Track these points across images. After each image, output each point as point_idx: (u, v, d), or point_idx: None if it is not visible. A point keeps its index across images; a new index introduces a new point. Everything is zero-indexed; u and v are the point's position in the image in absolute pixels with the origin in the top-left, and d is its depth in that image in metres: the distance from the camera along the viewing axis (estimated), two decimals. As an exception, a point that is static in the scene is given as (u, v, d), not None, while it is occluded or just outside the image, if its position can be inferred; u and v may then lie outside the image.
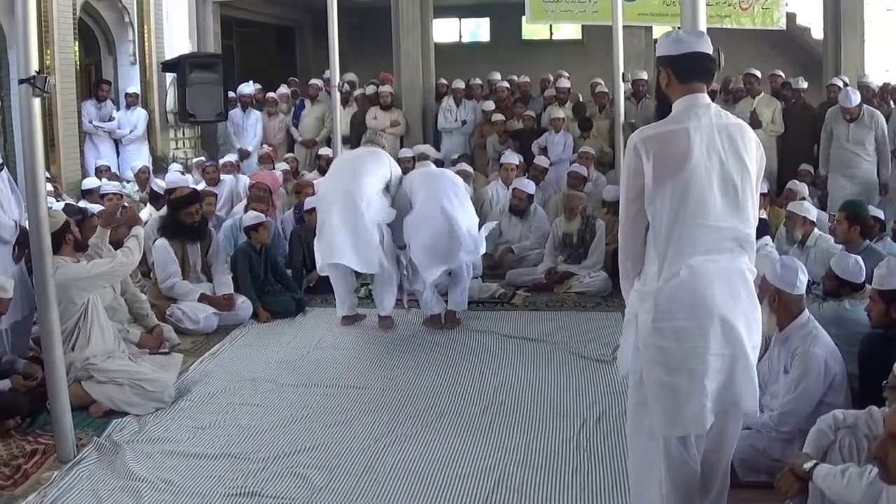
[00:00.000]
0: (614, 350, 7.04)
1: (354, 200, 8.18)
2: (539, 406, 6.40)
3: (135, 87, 15.05)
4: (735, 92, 13.55)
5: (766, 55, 18.84)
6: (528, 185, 10.79)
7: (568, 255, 10.08)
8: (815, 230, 7.96)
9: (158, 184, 11.24)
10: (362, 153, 8.84)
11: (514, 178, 11.34)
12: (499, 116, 13.76)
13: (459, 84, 14.91)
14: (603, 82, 14.03)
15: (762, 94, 13.17)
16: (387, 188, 8.54)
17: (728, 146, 3.82)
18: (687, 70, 3.90)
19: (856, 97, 10.86)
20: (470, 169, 11.99)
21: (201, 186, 11.42)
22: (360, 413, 6.34)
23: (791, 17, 18.90)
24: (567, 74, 15.10)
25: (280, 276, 9.38)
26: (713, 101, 3.96)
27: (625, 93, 11.66)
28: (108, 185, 11.30)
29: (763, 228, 6.87)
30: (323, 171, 12.50)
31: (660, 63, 3.98)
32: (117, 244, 7.21)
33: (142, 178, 12.90)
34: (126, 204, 7.84)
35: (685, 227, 3.78)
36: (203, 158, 14.19)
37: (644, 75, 13.71)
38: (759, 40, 19.34)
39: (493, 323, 8.64)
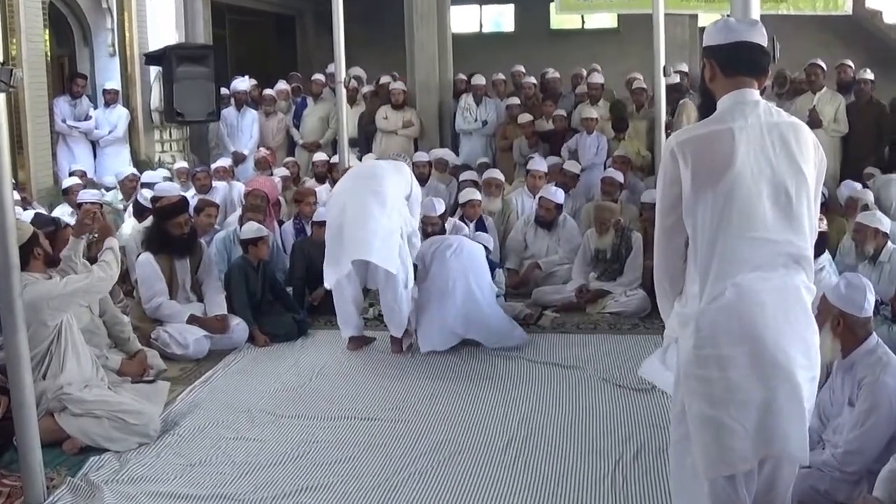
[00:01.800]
0: (644, 362, 7.01)
1: (377, 195, 8.33)
2: (569, 440, 6.40)
3: (114, 83, 15.04)
4: (797, 84, 13.41)
5: (829, 44, 18.74)
6: (557, 194, 10.79)
7: (601, 272, 10.09)
8: (889, 243, 7.89)
9: (145, 195, 11.19)
10: (383, 162, 9.07)
11: (542, 186, 11.35)
12: (526, 117, 13.78)
13: (480, 80, 14.93)
14: (641, 77, 14.01)
15: (824, 88, 12.86)
16: (407, 199, 8.66)
17: (780, 148, 3.80)
18: (734, 62, 3.89)
19: None
20: (500, 177, 11.97)
21: (191, 195, 11.44)
22: (369, 448, 6.35)
23: (859, 0, 18.63)
24: (600, 68, 15.09)
25: (279, 295, 9.41)
26: (763, 96, 3.93)
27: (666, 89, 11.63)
28: (86, 193, 11.26)
29: (821, 244, 6.82)
30: (320, 179, 12.58)
31: (705, 54, 3.98)
32: (92, 261, 7.16)
33: (128, 186, 12.77)
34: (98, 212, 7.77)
35: (730, 240, 3.76)
36: (185, 164, 14.11)
37: (685, 68, 13.69)
38: (822, 27, 19.25)
39: (517, 347, 8.62)
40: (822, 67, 12.90)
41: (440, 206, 9.64)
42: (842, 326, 4.96)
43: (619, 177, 11.38)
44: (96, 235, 7.36)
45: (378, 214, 8.23)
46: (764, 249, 3.79)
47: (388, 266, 8.26)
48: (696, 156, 3.78)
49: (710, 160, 3.77)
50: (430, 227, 9.40)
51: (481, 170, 12.91)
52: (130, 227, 10.72)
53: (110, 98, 14.78)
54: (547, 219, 10.75)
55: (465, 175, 12.48)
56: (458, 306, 8.41)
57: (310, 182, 12.80)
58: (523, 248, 10.75)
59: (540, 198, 10.89)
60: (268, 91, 15.82)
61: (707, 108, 3.96)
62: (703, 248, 3.81)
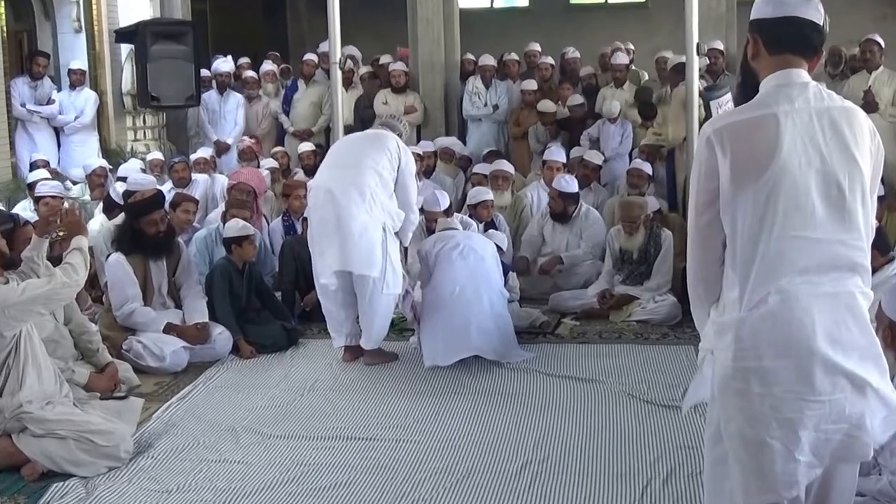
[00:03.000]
0: (686, 394, 6.99)
1: (353, 191, 8.31)
2: (590, 464, 6.37)
3: (80, 62, 15.00)
4: (851, 62, 13.26)
5: (887, 18, 18.71)
6: (567, 183, 10.79)
7: (627, 274, 10.08)
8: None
9: (118, 190, 11.14)
10: (361, 138, 8.97)
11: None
12: (547, 104, 13.75)
13: (488, 60, 14.92)
14: (672, 56, 13.98)
15: (881, 68, 12.58)
16: (396, 175, 8.63)
17: (831, 136, 3.74)
18: (781, 38, 3.83)
19: None
20: (510, 170, 12.01)
21: (167, 188, 11.43)
22: (367, 472, 6.33)
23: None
24: (625, 47, 15.07)
25: (267, 301, 9.41)
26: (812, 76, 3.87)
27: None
28: (47, 186, 11.20)
29: (884, 244, 6.79)
30: (309, 173, 12.57)
31: (750, 28, 3.92)
32: (57, 261, 7.03)
33: (96, 181, 12.72)
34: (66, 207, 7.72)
35: (774, 240, 3.70)
36: (160, 155, 14.09)
37: (721, 45, 13.66)
38: (878, 0, 19.23)
39: (532, 359, 8.64)
40: (878, 44, 12.66)
41: (444, 201, 9.64)
42: (893, 338, 4.90)
43: (647, 168, 11.36)
44: (62, 234, 7.29)
45: (356, 212, 8.27)
46: (812, 250, 3.73)
47: (369, 272, 8.36)
48: (735, 145, 3.73)
49: (751, 150, 3.72)
50: (433, 225, 9.39)
51: (489, 159, 12.89)
52: (99, 224, 10.68)
53: (76, 79, 14.73)
54: (557, 210, 10.75)
55: (476, 169, 12.48)
56: (464, 316, 8.40)
57: (300, 174, 12.80)
58: (541, 244, 10.75)
59: (550, 188, 10.90)
60: (250, 73, 15.81)
61: (748, 89, 3.92)
62: (743, 248, 3.75)
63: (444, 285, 8.52)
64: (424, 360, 8.43)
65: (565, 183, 10.81)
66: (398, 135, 8.86)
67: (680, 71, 13.11)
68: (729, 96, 10.63)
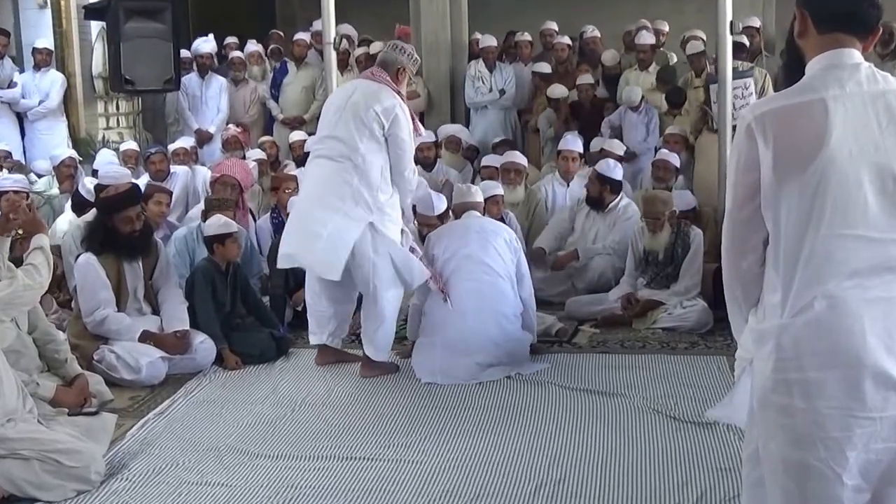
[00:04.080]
0: (716, 406, 6.98)
1: (330, 197, 8.34)
2: (612, 486, 6.35)
3: (46, 41, 14.99)
4: None
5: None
6: (612, 167, 10.89)
7: (652, 277, 10.07)
8: None
9: (87, 186, 11.14)
10: (346, 105, 8.56)
11: (576, 171, 11.33)
12: (558, 90, 13.71)
13: (490, 41, 14.91)
14: (703, 36, 13.96)
15: None
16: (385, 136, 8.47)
17: (886, 123, 3.71)
18: (833, 14, 3.81)
19: None
20: (523, 162, 11.95)
21: (143, 182, 11.42)
22: (365, 496, 6.31)
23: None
24: (650, 26, 15.03)
25: (254, 307, 9.38)
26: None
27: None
28: (9, 180, 11.17)
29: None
30: (301, 164, 12.56)
31: (798, 3, 3.89)
32: (18, 262, 6.97)
33: (65, 173, 12.73)
34: (24, 204, 7.65)
35: (821, 239, 3.68)
36: (134, 145, 14.08)
37: (757, 23, 13.62)
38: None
39: (548, 369, 8.64)
40: None
41: (441, 204, 9.60)
42: None
43: (675, 159, 11.34)
44: (20, 232, 7.24)
45: (329, 216, 8.30)
46: (864, 250, 3.70)
47: (328, 275, 8.41)
48: (779, 133, 3.70)
49: (796, 138, 3.69)
50: (427, 230, 9.36)
51: (499, 149, 12.87)
52: (67, 222, 10.66)
53: (41, 60, 14.72)
54: (594, 194, 10.76)
55: (486, 161, 12.43)
56: (471, 332, 8.39)
57: (291, 166, 12.79)
58: (567, 234, 10.73)
59: (593, 171, 10.89)
60: (236, 54, 15.80)
61: (794, 71, 3.89)
62: (786, 248, 3.73)
63: (451, 302, 8.51)
64: (419, 374, 8.46)
65: (609, 166, 10.84)
66: (398, 69, 8.56)
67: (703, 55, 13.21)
68: (743, 81, 10.64)
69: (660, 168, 11.18)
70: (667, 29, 15.41)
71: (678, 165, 11.41)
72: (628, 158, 12.52)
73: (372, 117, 8.28)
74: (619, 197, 10.91)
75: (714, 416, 4.45)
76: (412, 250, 8.66)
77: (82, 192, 11.11)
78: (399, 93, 8.42)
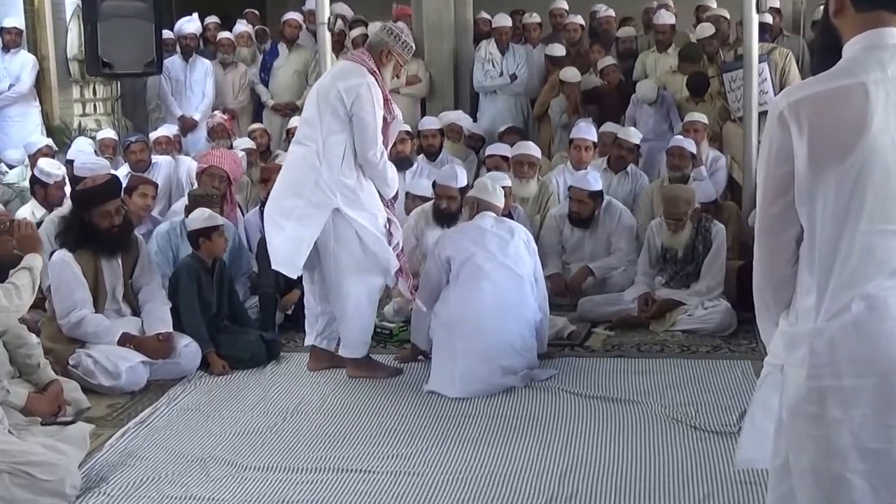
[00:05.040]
0: (741, 418, 6.97)
1: (306, 153, 8.42)
2: (628, 500, 6.35)
3: (16, 20, 14.91)
4: None
5: None
6: (594, 180, 10.73)
7: (671, 276, 10.05)
8: None
9: (44, 168, 11.10)
10: (318, 94, 8.59)
11: (589, 161, 11.29)
12: (570, 73, 13.67)
13: (504, 20, 14.88)
14: (727, 15, 13.94)
15: None
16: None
17: (934, 110, 3.72)
18: None
19: None
20: (537, 154, 11.85)
21: (123, 173, 11.39)
22: (362, 512, 6.30)
23: None
24: (670, 3, 14.99)
25: (235, 309, 9.35)
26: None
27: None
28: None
29: None
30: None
31: None
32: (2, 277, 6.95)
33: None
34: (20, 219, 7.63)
35: (860, 235, 3.65)
36: (113, 133, 14.05)
37: (777, 2, 13.61)
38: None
39: (559, 375, 8.64)
40: None
41: (462, 177, 9.65)
42: None
43: (690, 145, 11.27)
44: (14, 250, 7.23)
45: (301, 189, 8.38)
46: (906, 249, 3.71)
47: (286, 271, 8.56)
48: (814, 121, 3.66)
49: (834, 126, 3.65)
50: (446, 203, 9.34)
51: (506, 138, 12.82)
52: (30, 212, 10.57)
53: (10, 40, 14.68)
54: (585, 215, 10.70)
55: (492, 149, 12.28)
56: (493, 336, 8.32)
57: (283, 156, 12.77)
58: (560, 250, 10.68)
59: (570, 188, 10.82)
60: (225, 34, 15.78)
61: (829, 54, 3.85)
62: (822, 246, 3.70)
63: (466, 304, 8.43)
64: (434, 387, 8.40)
65: (591, 181, 10.72)
66: (381, 51, 8.49)
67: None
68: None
69: (675, 155, 11.14)
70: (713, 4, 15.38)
71: (694, 152, 11.34)
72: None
73: (334, 95, 8.28)
74: (600, 203, 10.84)
75: (742, 463, 4.41)
76: (396, 245, 8.65)
77: (38, 174, 11.09)
78: (375, 73, 8.35)
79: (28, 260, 6.83)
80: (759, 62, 10.99)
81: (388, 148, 8.59)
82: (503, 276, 8.49)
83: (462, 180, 9.70)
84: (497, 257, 8.55)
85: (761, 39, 11.86)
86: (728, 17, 14.29)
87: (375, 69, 8.36)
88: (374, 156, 8.31)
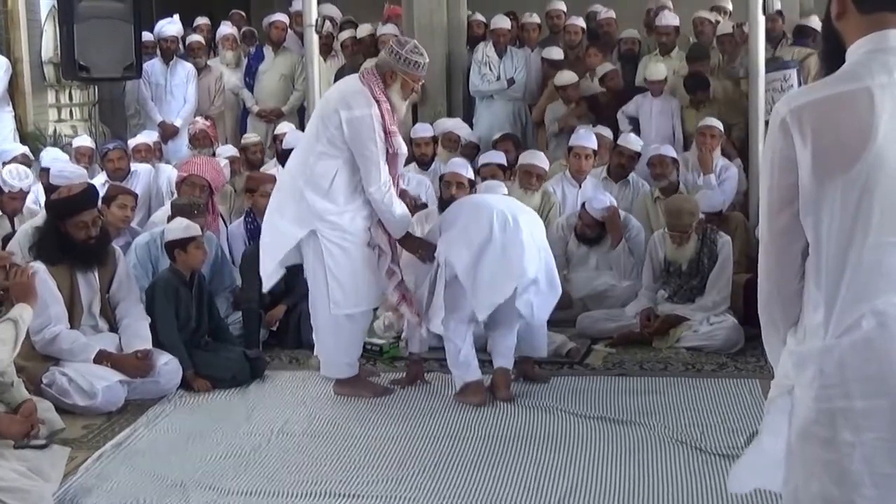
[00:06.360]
0: (749, 440, 6.96)
1: (297, 162, 8.59)
2: (631, 528, 6.34)
3: (-14, 21, 14.94)
4: None
5: None
6: (601, 200, 10.76)
7: (675, 290, 10.05)
8: None
9: (2, 175, 11.09)
10: (319, 108, 8.85)
11: (589, 170, 11.29)
12: (566, 76, 13.67)
13: (503, 22, 14.88)
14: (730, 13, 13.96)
15: None
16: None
17: (941, 116, 3.71)
18: None
19: None
20: (545, 165, 11.74)
21: (100, 182, 11.39)
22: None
23: None
24: (671, 5, 15.01)
25: (216, 325, 9.33)
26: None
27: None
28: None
29: None
30: (283, 160, 12.55)
31: None
32: None
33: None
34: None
35: (868, 248, 3.63)
36: (89, 140, 14.03)
37: (778, 4, 13.63)
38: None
39: (557, 394, 8.65)
40: None
41: (470, 170, 9.69)
42: None
43: (669, 151, 11.43)
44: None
45: (285, 204, 8.53)
46: (918, 262, 3.71)
47: (265, 283, 8.77)
48: (818, 128, 3.65)
49: (838, 134, 3.63)
50: (455, 189, 9.36)
51: (501, 145, 12.83)
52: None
53: (-19, 43, 14.68)
54: (592, 236, 10.71)
55: (487, 157, 12.16)
56: (516, 245, 8.37)
57: (270, 163, 12.79)
58: (564, 264, 10.68)
59: (582, 206, 10.82)
60: (195, 37, 15.84)
61: (832, 58, 3.85)
62: (829, 260, 3.69)
63: (480, 224, 8.42)
64: (430, 325, 8.52)
65: (600, 201, 10.74)
66: (385, 73, 8.52)
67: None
68: (783, 73, 10.65)
69: (656, 164, 11.17)
70: (730, 7, 15.40)
71: (674, 156, 11.36)
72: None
73: (335, 123, 8.32)
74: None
75: (735, 487, 4.39)
76: (391, 273, 8.62)
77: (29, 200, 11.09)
78: (380, 101, 8.36)
79: (16, 311, 6.85)
80: (790, 67, 11.01)
81: (395, 180, 8.63)
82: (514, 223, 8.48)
83: (470, 172, 9.73)
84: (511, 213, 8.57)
85: (802, 45, 11.91)
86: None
87: (382, 92, 8.39)
88: (376, 191, 8.33)
